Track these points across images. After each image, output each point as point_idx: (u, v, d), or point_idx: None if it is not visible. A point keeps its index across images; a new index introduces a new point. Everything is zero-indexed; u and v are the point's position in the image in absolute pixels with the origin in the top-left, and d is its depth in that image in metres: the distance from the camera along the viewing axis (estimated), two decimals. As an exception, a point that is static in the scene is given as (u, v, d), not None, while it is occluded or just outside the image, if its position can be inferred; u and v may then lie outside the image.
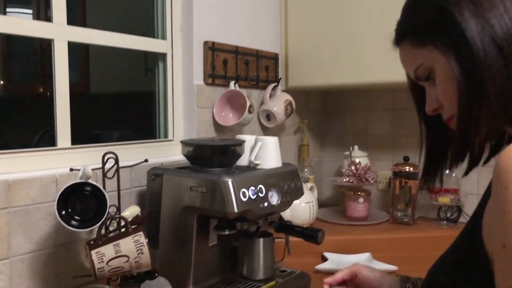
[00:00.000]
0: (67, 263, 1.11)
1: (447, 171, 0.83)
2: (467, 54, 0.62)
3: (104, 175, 1.00)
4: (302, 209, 1.62)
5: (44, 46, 1.40)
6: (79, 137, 1.22)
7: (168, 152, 1.43)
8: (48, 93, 1.19)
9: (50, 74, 1.16)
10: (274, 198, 1.16)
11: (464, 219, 1.76)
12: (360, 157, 1.85)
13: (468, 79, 0.63)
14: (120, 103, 1.86)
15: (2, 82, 1.66)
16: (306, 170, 1.87)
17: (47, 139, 1.22)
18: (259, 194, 1.11)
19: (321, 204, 1.88)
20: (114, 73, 1.87)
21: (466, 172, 0.69)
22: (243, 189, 1.07)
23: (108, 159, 1.01)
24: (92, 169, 0.98)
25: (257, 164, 1.22)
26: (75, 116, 1.19)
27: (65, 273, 1.10)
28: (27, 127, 1.30)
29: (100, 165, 1.04)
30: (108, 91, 1.97)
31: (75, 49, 1.23)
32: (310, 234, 1.16)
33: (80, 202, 1.00)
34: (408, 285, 0.92)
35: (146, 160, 1.04)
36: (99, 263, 0.93)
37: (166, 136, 1.47)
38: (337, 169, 2.08)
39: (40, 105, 1.44)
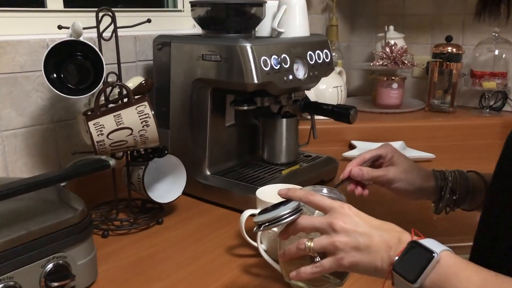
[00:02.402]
0: (67, 141, 0.99)
1: None
2: None
3: (100, 35, 0.84)
4: (330, 94, 1.46)
5: None
6: (73, 1, 1.04)
7: (177, 24, 1.25)
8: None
9: None
10: (300, 71, 1.00)
11: (509, 107, 1.58)
12: (395, 39, 1.64)
13: None
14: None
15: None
16: (334, 54, 1.68)
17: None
18: (283, 64, 0.94)
19: (349, 94, 1.72)
20: None
21: None
22: (264, 57, 0.90)
23: (102, 16, 0.84)
24: (84, 28, 0.82)
25: (280, 33, 1.04)
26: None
27: (65, 152, 0.99)
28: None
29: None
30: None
31: None
32: (341, 112, 1.01)
33: (76, 70, 0.85)
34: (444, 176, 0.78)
35: (148, 20, 0.87)
36: (98, 135, 0.80)
37: (175, 5, 1.27)
38: (368, 55, 1.88)
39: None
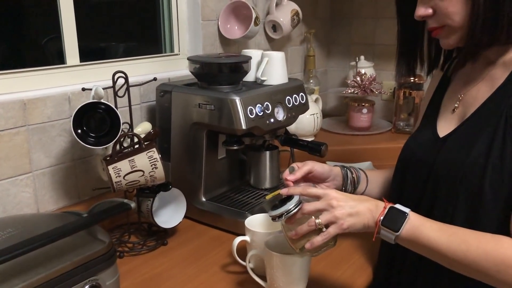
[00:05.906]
0: (85, 176, 1.18)
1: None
2: None
3: (115, 94, 1.03)
4: (307, 121, 1.66)
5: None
6: (86, 50, 1.22)
7: (175, 66, 1.44)
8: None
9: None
10: (280, 114, 1.19)
11: (464, 129, 1.80)
12: (366, 68, 1.85)
13: None
14: (124, 12, 1.82)
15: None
16: (311, 81, 1.89)
17: (53, 48, 1.22)
18: (266, 111, 1.14)
19: (325, 114, 1.92)
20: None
21: (428, 73, 0.94)
22: (250, 107, 1.10)
23: (118, 78, 1.03)
24: (104, 88, 1.01)
25: (263, 80, 1.23)
26: (79, 27, 1.18)
27: (84, 185, 1.18)
28: (30, 36, 1.28)
29: (110, 83, 1.05)
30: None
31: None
32: (314, 147, 1.21)
33: (94, 119, 1.04)
34: (347, 171, 1.05)
35: (155, 79, 1.06)
36: (116, 177, 0.99)
37: (172, 50, 1.46)
38: (342, 79, 2.09)
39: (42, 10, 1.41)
